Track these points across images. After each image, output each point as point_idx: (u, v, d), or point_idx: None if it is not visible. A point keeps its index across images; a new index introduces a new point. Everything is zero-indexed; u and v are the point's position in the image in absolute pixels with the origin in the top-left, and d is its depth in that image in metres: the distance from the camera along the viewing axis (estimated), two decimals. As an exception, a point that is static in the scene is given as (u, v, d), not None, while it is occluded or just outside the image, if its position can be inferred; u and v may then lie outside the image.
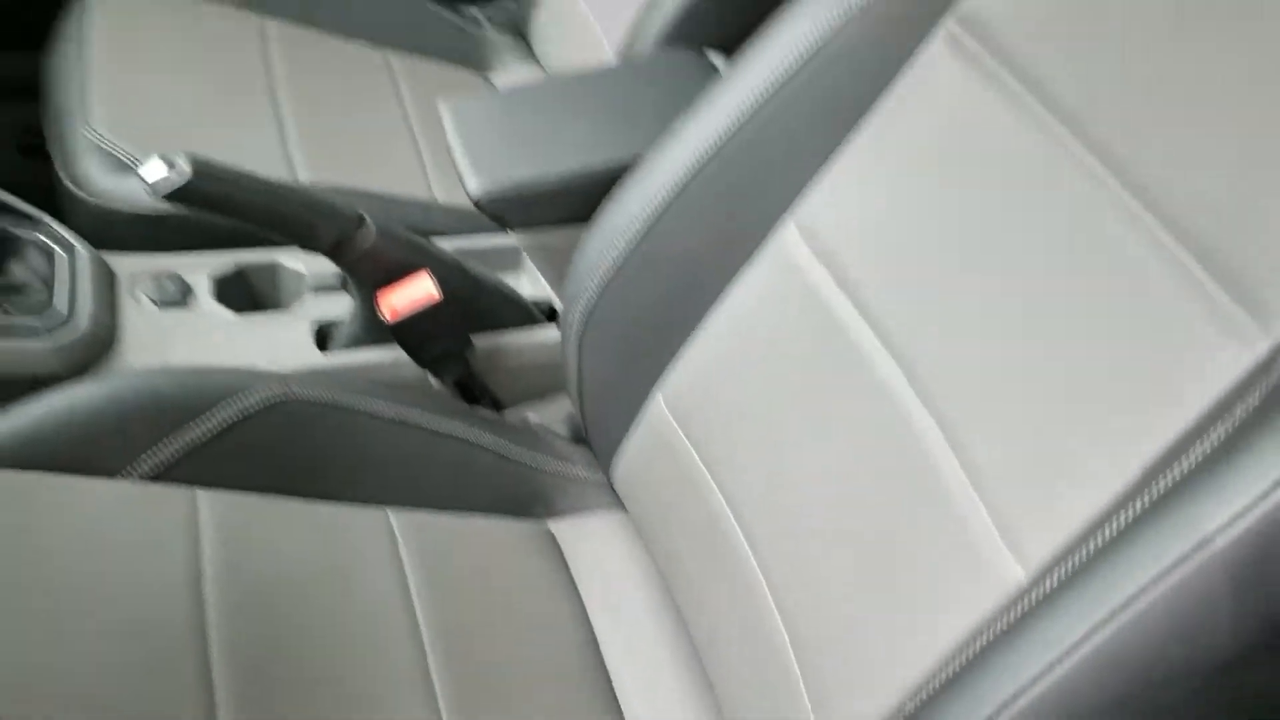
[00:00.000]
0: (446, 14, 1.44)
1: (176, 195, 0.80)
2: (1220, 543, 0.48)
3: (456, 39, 1.42)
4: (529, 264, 1.04)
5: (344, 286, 0.96)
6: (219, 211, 0.83)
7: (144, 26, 1.24)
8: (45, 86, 1.16)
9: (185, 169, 0.80)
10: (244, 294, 1.01)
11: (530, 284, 1.03)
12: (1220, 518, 0.48)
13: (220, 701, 0.69)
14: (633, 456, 0.87)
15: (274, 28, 1.30)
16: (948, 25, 0.71)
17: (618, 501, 0.91)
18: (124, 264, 0.99)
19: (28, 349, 0.88)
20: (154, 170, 0.80)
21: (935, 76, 0.71)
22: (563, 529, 0.91)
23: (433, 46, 1.38)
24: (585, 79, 1.01)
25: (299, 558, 0.80)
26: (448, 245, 0.99)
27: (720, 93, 0.80)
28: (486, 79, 1.40)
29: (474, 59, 1.41)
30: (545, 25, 1.35)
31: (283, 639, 0.75)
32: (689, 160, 0.79)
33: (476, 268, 0.97)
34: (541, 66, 1.39)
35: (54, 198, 1.06)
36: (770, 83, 0.77)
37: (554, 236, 0.90)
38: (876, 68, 0.73)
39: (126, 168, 1.02)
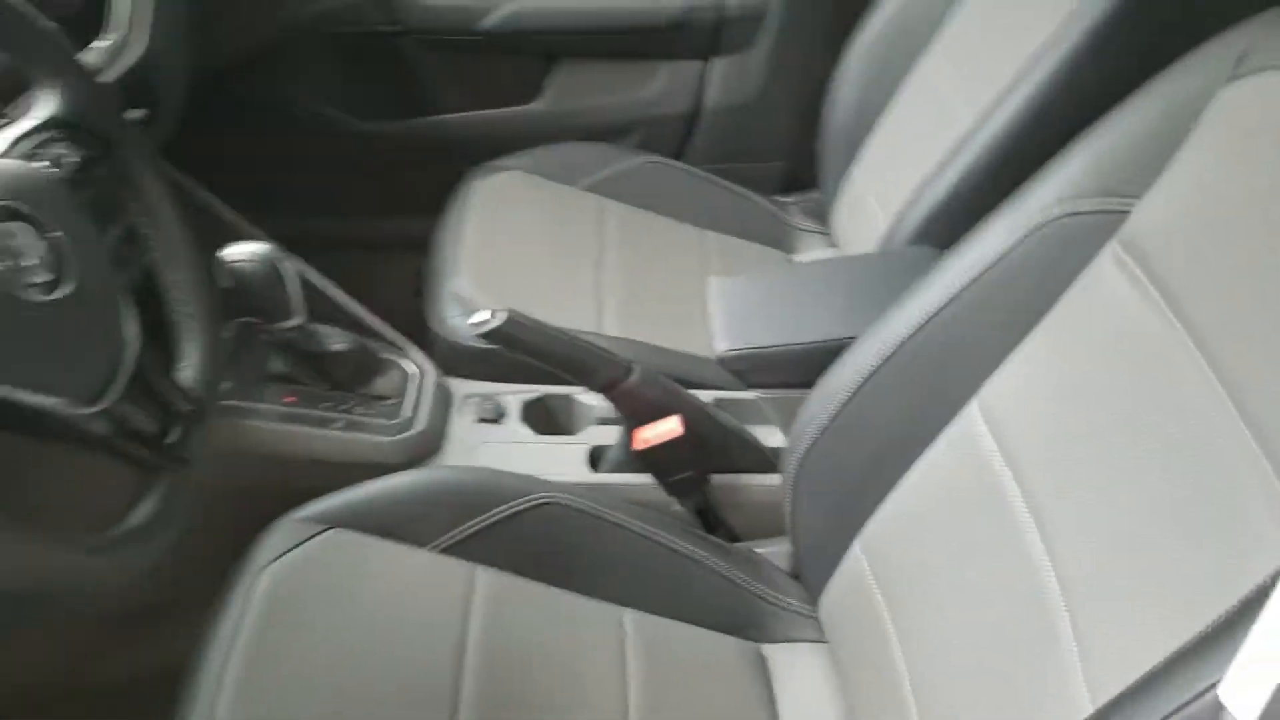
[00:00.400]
0: (764, 203, 1.67)
1: (490, 336, 1.05)
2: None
3: (770, 224, 1.64)
4: (773, 417, 1.20)
5: (617, 420, 1.17)
6: (522, 352, 1.07)
7: (512, 202, 1.55)
8: (432, 244, 1.49)
9: (501, 318, 1.05)
10: (544, 418, 1.25)
11: (768, 436, 1.19)
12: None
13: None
14: (834, 596, 1.00)
15: (613, 208, 1.57)
16: (1113, 246, 0.82)
17: (823, 635, 1.03)
18: (460, 387, 1.27)
19: (378, 443, 1.16)
20: (480, 317, 1.06)
21: (1101, 288, 0.82)
22: (772, 653, 1.04)
23: (748, 229, 1.60)
24: (835, 266, 1.18)
25: (545, 635, 0.99)
26: (708, 396, 1.19)
27: (925, 286, 0.94)
28: (789, 259, 1.60)
29: (783, 242, 1.62)
30: (842, 215, 1.54)
31: (518, 705, 0.93)
32: (893, 339, 0.93)
33: (724, 416, 1.15)
34: (838, 250, 1.57)
35: (424, 331, 1.36)
36: (964, 281, 0.90)
37: (784, 395, 1.07)
38: (1053, 275, 0.85)
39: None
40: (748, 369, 1.08)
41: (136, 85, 1.12)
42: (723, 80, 1.77)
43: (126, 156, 0.85)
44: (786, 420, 1.10)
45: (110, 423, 0.74)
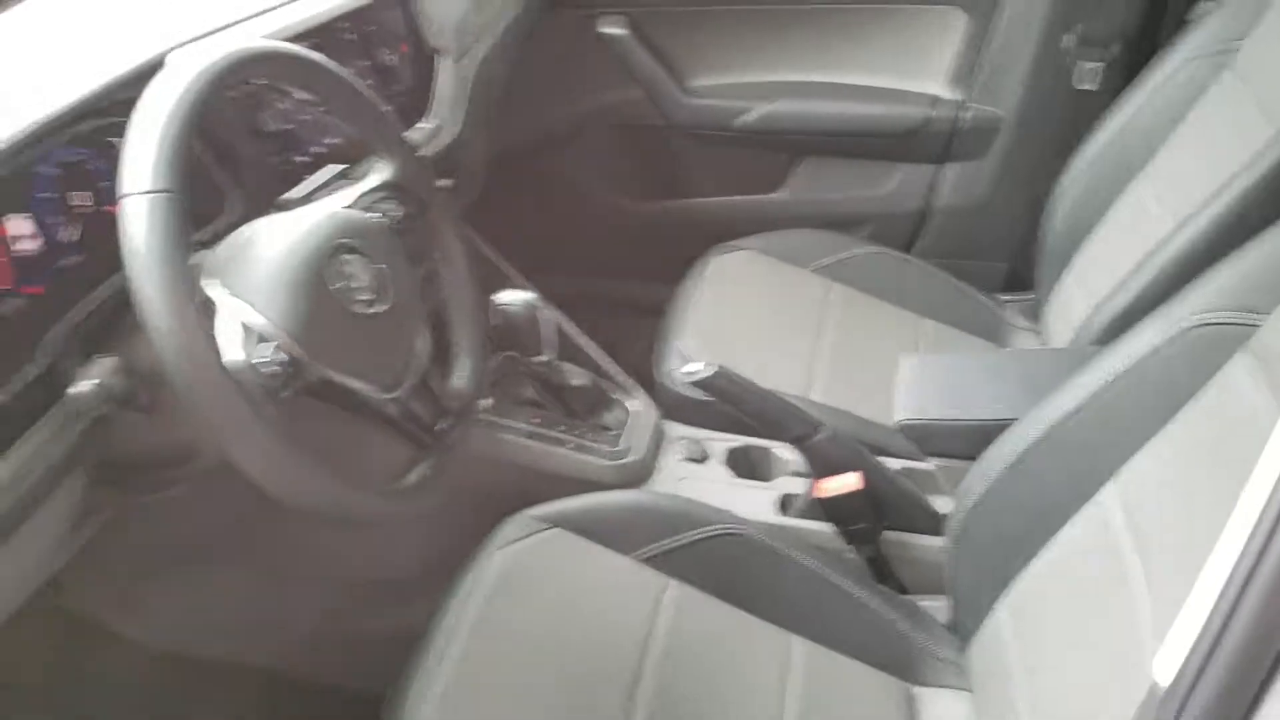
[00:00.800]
0: (983, 299, 1.79)
1: (700, 384, 1.24)
2: None
3: (985, 318, 1.76)
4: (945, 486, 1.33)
5: (807, 474, 1.33)
6: (725, 402, 1.26)
7: (744, 276, 1.74)
8: (669, 307, 1.70)
9: (710, 370, 1.24)
10: (744, 465, 1.43)
11: (941, 503, 1.32)
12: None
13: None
14: (980, 650, 1.12)
15: (838, 290, 1.73)
16: (1244, 355, 0.92)
17: (969, 684, 1.14)
18: (674, 429, 1.48)
19: (599, 464, 1.39)
20: (693, 367, 1.26)
21: (1230, 392, 0.92)
22: (921, 694, 1.16)
23: (964, 320, 1.73)
24: (1015, 356, 1.31)
25: (719, 645, 1.15)
26: (892, 463, 1.33)
27: (1079, 378, 1.06)
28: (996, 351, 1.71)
29: (995, 335, 1.73)
30: (1051, 315, 1.64)
31: (686, 701, 1.08)
32: (1046, 423, 1.06)
33: (901, 479, 1.29)
34: (1045, 344, 1.67)
35: (650, 379, 1.57)
36: (1110, 376, 1.02)
37: (956, 466, 1.20)
38: (1189, 377, 0.96)
39: (694, 366, 1.51)
40: (921, 437, 1.23)
41: (447, 160, 1.41)
42: (954, 184, 1.92)
43: (435, 215, 1.11)
44: (956, 489, 1.23)
45: (398, 408, 0.98)
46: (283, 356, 0.86)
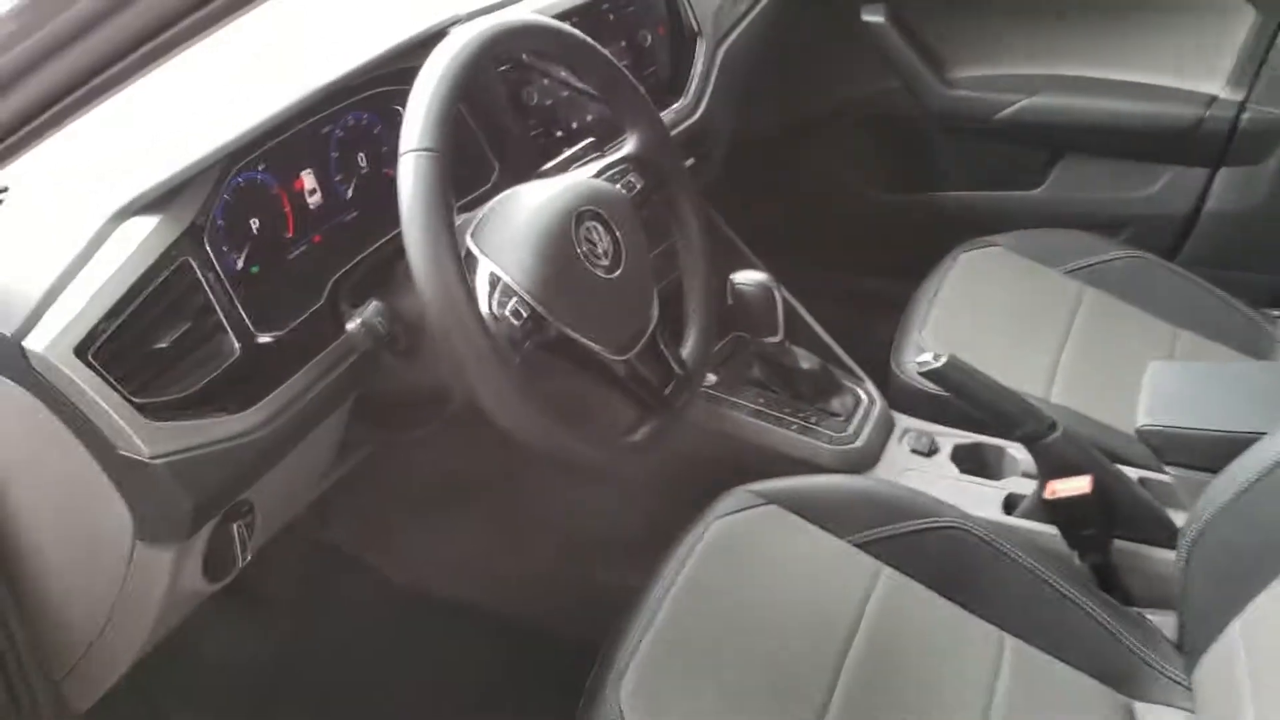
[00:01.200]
0: (1248, 311, 1.67)
1: (929, 375, 1.24)
2: None
3: (1249, 331, 1.64)
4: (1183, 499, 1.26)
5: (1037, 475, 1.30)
6: (955, 394, 1.24)
7: (992, 275, 1.69)
8: (911, 301, 1.68)
9: (941, 360, 1.23)
10: (973, 462, 1.41)
11: (1177, 517, 1.25)
12: None
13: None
14: (1207, 671, 1.07)
15: (1090, 294, 1.66)
16: None
17: (1194, 706, 1.09)
18: (903, 420, 1.47)
19: (822, 447, 1.40)
20: (925, 357, 1.25)
21: None
22: (1143, 712, 1.12)
23: (1224, 333, 1.61)
24: (1272, 369, 1.22)
25: (929, 636, 1.14)
26: (1130, 472, 1.28)
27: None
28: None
29: (1257, 350, 1.61)
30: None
31: (889, 689, 1.09)
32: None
33: (1136, 487, 1.24)
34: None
35: (884, 370, 1.57)
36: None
37: (1196, 478, 1.14)
38: None
39: (926, 357, 1.50)
40: (1161, 444, 1.17)
41: (691, 141, 1.45)
42: (1226, 189, 1.80)
43: (675, 191, 1.16)
44: (1195, 502, 1.17)
45: (628, 369, 1.04)
46: (524, 311, 0.93)
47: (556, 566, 1.54)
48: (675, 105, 1.46)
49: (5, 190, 0.89)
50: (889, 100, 1.96)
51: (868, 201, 2.04)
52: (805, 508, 1.23)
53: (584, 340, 0.98)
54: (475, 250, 0.96)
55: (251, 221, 0.99)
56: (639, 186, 1.12)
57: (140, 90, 0.83)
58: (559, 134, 1.30)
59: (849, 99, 2.00)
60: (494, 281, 0.94)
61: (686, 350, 1.14)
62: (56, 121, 0.79)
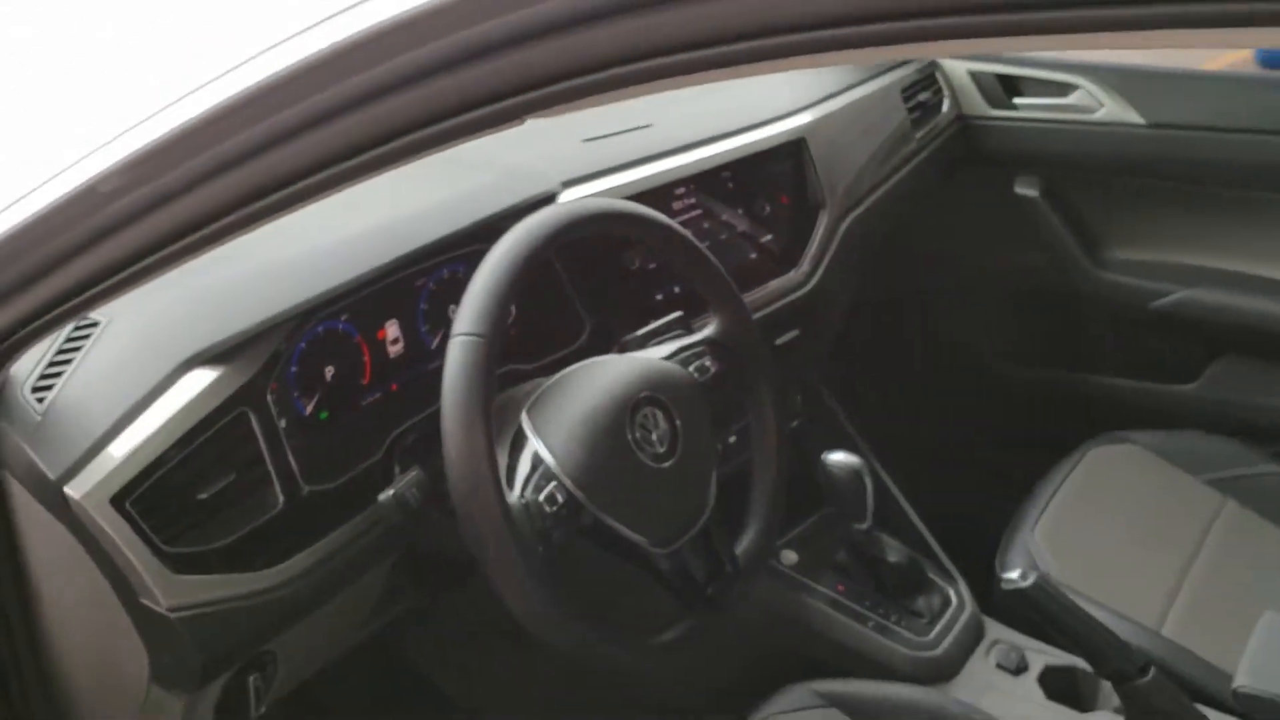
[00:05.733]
0: None
1: (1013, 595, 1.15)
2: None
3: None
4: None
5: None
6: (1041, 622, 1.15)
7: (1123, 474, 1.57)
8: (1033, 493, 1.58)
9: (1027, 582, 1.14)
10: (1064, 687, 1.30)
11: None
12: None
13: None
14: None
15: (1231, 509, 1.53)
16: None
17: None
18: (995, 630, 1.37)
19: (898, 652, 1.32)
20: (1014, 574, 1.16)
21: None
22: None
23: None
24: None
25: None
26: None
27: None
28: None
29: None
30: None
31: None
32: None
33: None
34: None
35: (988, 567, 1.48)
36: None
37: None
38: None
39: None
40: (1259, 711, 1.05)
41: (800, 312, 1.42)
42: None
43: (753, 376, 1.13)
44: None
45: (672, 563, 1.01)
46: (561, 497, 0.92)
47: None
48: (788, 274, 1.43)
49: (95, 325, 0.94)
50: (1036, 275, 1.88)
51: (1003, 376, 1.95)
52: (865, 716, 1.17)
53: (624, 531, 0.96)
54: (528, 429, 0.96)
55: (327, 369, 1.02)
56: (713, 371, 1.10)
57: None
58: (659, 297, 1.30)
59: (996, 269, 1.92)
60: (536, 463, 0.93)
61: (742, 546, 1.10)
62: (159, 267, 0.80)
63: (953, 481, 1.64)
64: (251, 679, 0.96)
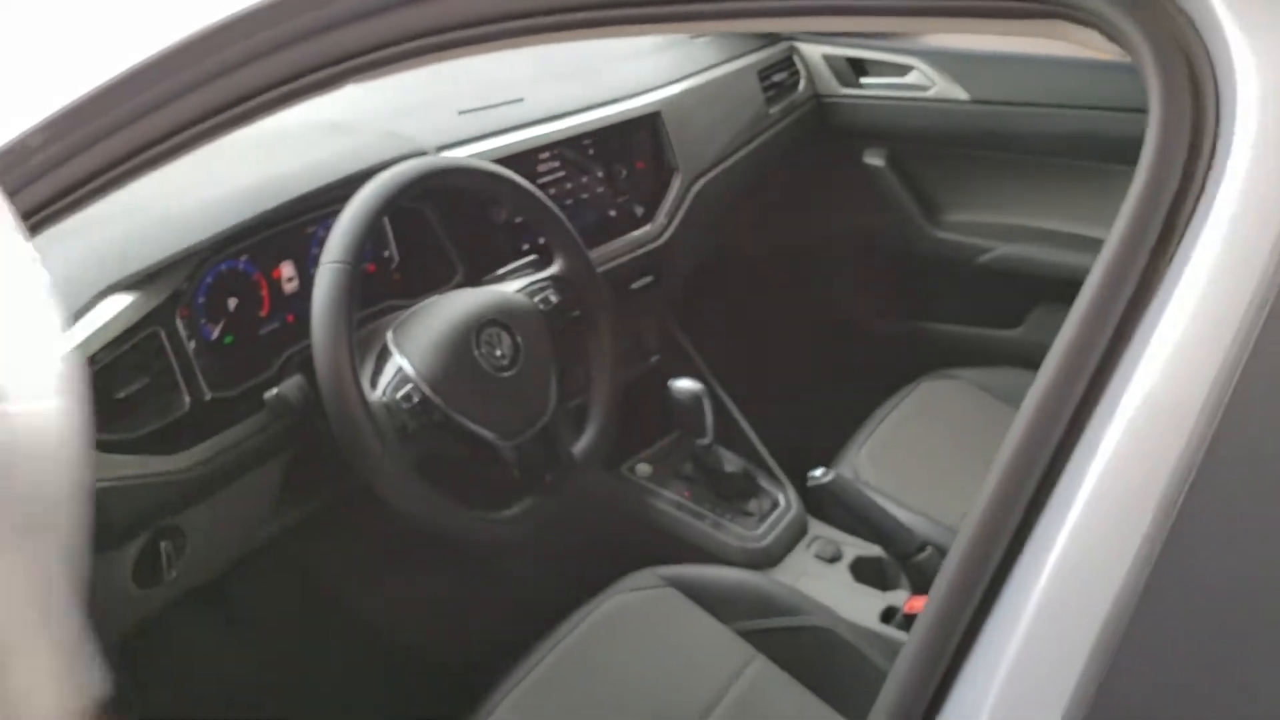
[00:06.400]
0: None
1: (817, 489, 1.39)
2: None
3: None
4: None
5: (919, 590, 1.42)
6: (840, 509, 1.39)
7: (948, 406, 1.81)
8: (865, 422, 1.81)
9: (826, 478, 1.38)
10: (871, 573, 1.54)
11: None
12: None
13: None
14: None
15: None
16: None
17: None
18: (816, 527, 1.61)
19: (728, 543, 1.56)
20: (817, 472, 1.40)
21: None
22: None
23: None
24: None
25: None
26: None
27: None
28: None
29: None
30: None
31: None
32: None
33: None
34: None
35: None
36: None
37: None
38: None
39: (856, 478, 1.63)
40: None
41: (652, 261, 1.65)
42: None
43: (592, 308, 1.36)
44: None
45: (514, 454, 1.23)
46: (415, 397, 1.13)
47: (498, 625, 1.71)
48: (644, 228, 1.66)
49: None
50: (881, 235, 2.12)
51: (848, 323, 2.19)
52: (699, 594, 1.38)
53: (470, 425, 1.18)
54: (390, 345, 1.17)
55: (230, 300, 1.23)
56: (555, 302, 1.32)
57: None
58: (525, 247, 1.51)
59: (846, 228, 2.16)
60: (396, 371, 1.15)
61: (579, 445, 1.33)
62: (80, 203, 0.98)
63: (799, 410, 1.87)
64: (163, 545, 1.15)
